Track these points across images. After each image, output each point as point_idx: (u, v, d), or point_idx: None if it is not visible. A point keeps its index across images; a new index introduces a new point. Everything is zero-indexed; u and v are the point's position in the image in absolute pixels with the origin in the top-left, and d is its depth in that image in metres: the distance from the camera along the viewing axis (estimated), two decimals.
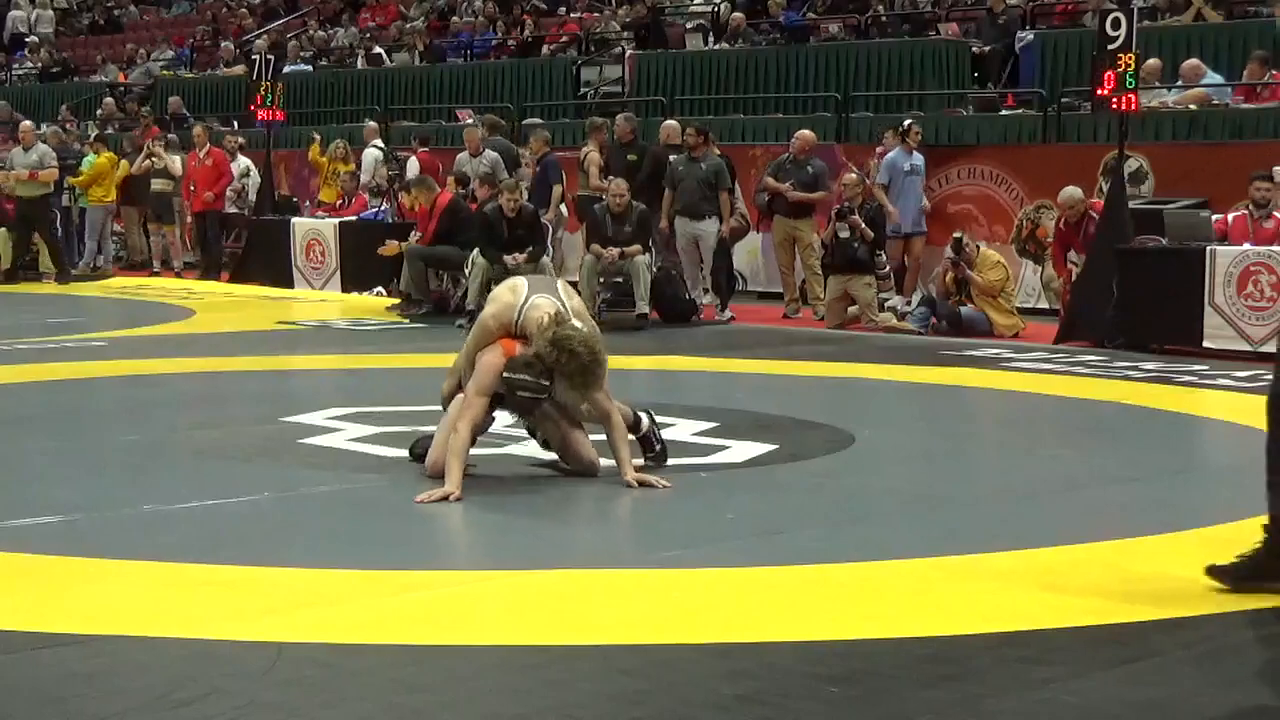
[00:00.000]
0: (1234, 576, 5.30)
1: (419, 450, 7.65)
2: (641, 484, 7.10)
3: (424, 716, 4.21)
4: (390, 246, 16.63)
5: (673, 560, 5.94)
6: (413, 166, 19.44)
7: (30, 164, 19.82)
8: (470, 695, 4.36)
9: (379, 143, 20.45)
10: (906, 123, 16.55)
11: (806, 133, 16.24)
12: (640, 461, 7.39)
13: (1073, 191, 14.20)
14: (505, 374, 7.07)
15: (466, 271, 15.05)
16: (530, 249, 14.64)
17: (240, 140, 21.30)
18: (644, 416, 7.63)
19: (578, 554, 6.09)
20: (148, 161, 20.72)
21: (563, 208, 17.28)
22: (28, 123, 21.33)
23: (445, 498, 6.77)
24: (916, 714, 4.27)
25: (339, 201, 19.56)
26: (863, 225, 14.69)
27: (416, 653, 4.74)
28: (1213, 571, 5.33)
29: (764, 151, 17.99)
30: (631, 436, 7.48)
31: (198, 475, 7.52)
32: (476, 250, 14.78)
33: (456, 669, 4.61)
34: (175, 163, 20.67)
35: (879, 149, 16.78)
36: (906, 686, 4.48)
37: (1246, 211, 13.23)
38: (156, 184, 20.68)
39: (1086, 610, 5.22)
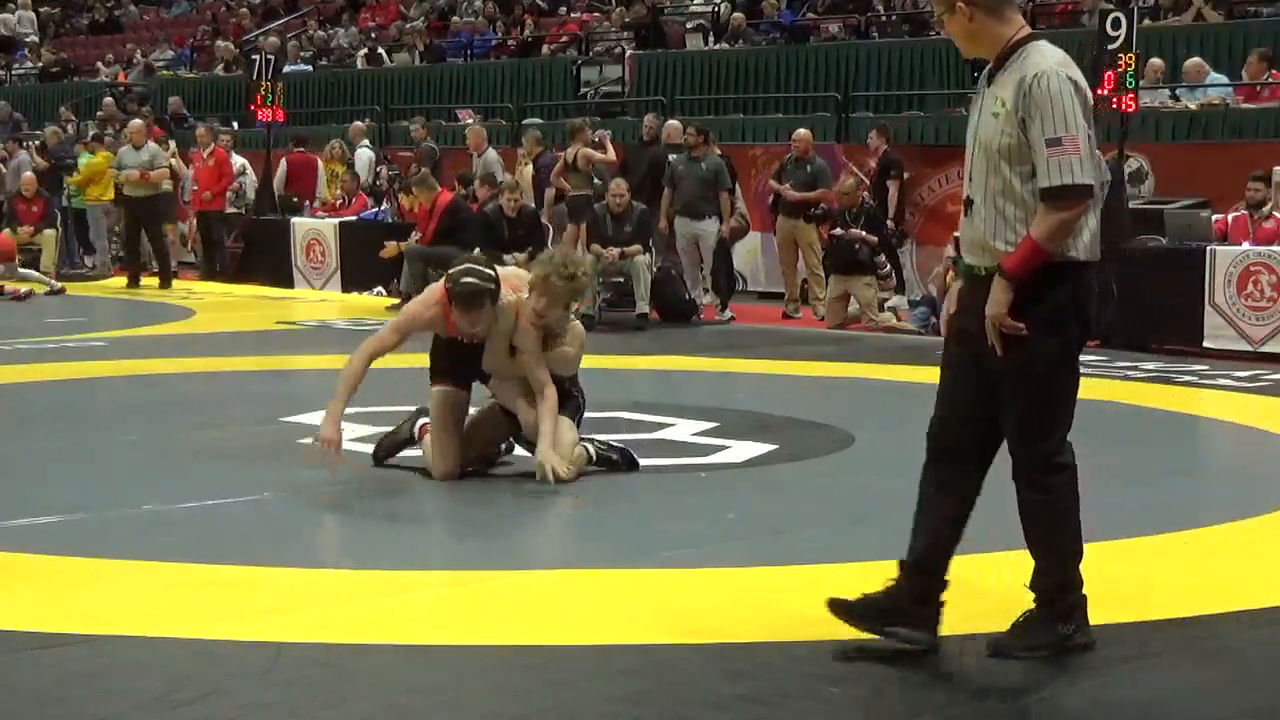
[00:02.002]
0: (853, 613, 4.75)
1: (380, 453, 7.66)
2: (552, 469, 6.96)
3: (424, 716, 4.21)
4: (390, 249, 16.60)
5: (673, 560, 5.94)
6: (281, 169, 19.76)
7: (141, 164, 19.52)
8: (470, 695, 4.37)
9: (367, 142, 20.52)
10: None
11: (804, 132, 16.22)
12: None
13: None
14: (449, 273, 7.09)
15: None
16: (530, 249, 14.64)
17: (227, 139, 21.15)
18: (586, 447, 7.40)
19: (578, 554, 6.09)
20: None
21: (562, 207, 17.27)
22: (137, 121, 20.89)
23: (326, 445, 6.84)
24: (916, 714, 4.27)
25: (339, 201, 19.59)
26: (863, 234, 14.68)
27: (416, 653, 4.74)
28: (833, 606, 4.78)
29: (764, 152, 17.98)
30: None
31: (198, 475, 7.52)
32: (476, 250, 14.77)
33: (456, 669, 4.61)
34: (181, 165, 20.71)
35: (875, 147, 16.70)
36: (906, 686, 4.48)
37: (1246, 211, 13.23)
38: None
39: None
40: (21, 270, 18.20)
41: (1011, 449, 4.68)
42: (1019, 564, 4.84)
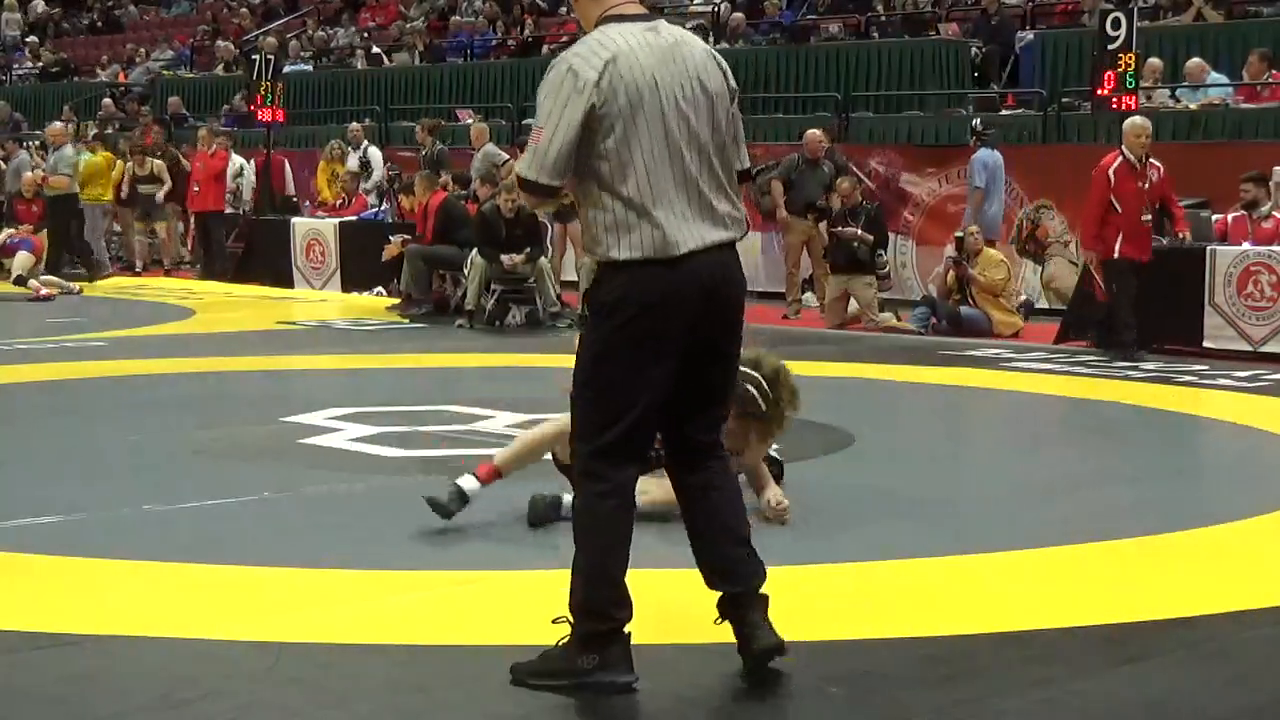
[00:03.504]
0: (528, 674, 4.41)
1: (536, 516, 6.55)
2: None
3: (424, 716, 4.21)
4: (391, 249, 16.57)
5: (672, 560, 5.92)
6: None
7: (47, 168, 19.73)
8: (470, 695, 4.36)
9: (366, 141, 20.53)
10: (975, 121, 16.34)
11: (816, 132, 16.09)
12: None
13: (1140, 120, 12.82)
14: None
15: (465, 272, 15.05)
16: (528, 249, 14.64)
17: (221, 139, 21.15)
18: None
19: None
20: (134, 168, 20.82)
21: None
22: (56, 124, 21.05)
23: None
24: (916, 714, 4.27)
25: (339, 201, 19.58)
26: (860, 233, 14.67)
27: (416, 653, 4.74)
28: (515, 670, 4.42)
29: (765, 151, 17.97)
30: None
31: (198, 475, 7.51)
32: (475, 250, 14.78)
33: (456, 669, 4.61)
34: (164, 169, 20.78)
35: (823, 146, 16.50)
36: (906, 686, 4.48)
37: (1246, 211, 13.22)
38: (145, 187, 20.78)
39: (1086, 610, 5.22)
40: (44, 277, 18.15)
41: None
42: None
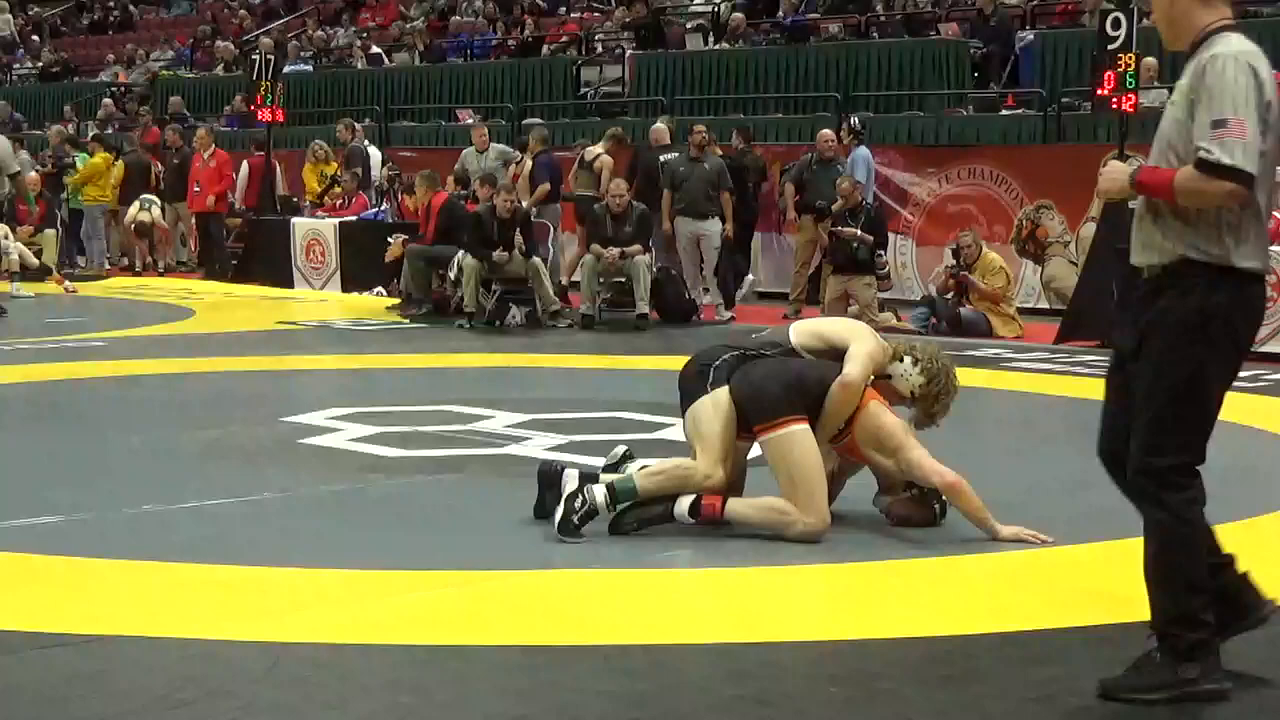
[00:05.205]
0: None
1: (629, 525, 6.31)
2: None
3: (424, 716, 4.21)
4: (393, 248, 16.56)
5: (672, 560, 5.94)
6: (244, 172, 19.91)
7: None
8: (470, 695, 4.37)
9: (366, 141, 20.52)
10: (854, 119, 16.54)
11: (828, 131, 16.09)
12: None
13: None
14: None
15: (451, 274, 15.01)
16: (513, 249, 14.59)
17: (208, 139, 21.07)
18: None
19: (578, 554, 6.08)
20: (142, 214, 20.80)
21: (558, 206, 17.19)
22: None
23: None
24: (916, 714, 4.27)
25: (338, 201, 19.58)
26: (859, 233, 14.66)
27: (416, 653, 4.74)
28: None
29: (764, 152, 17.98)
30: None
31: (198, 475, 7.51)
32: (462, 252, 14.73)
33: (456, 669, 4.61)
34: (156, 213, 20.74)
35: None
36: (906, 686, 4.48)
37: None
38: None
39: (1086, 610, 5.23)
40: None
41: (1131, 459, 4.38)
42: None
